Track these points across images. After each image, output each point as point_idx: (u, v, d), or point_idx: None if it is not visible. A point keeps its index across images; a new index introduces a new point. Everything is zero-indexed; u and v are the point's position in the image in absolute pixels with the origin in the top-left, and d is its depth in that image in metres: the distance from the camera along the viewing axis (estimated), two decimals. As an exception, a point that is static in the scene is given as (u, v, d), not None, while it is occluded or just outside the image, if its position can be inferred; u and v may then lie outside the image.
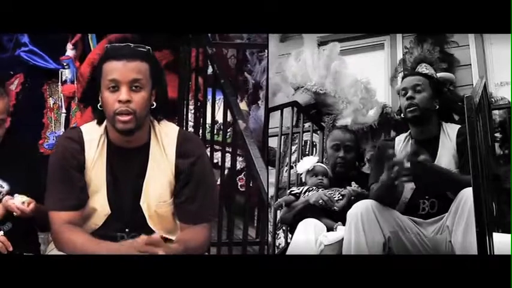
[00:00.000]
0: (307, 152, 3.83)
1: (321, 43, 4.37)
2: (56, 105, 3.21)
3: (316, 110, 3.93)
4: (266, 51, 3.69)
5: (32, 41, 3.16)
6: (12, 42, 3.22)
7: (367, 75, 3.99)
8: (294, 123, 3.60)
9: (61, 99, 3.19)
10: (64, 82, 3.17)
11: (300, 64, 4.08)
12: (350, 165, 3.00)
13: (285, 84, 4.17)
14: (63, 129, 3.16)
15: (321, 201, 2.72)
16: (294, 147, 3.88)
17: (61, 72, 3.16)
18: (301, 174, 3.08)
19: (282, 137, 3.50)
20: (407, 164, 2.21)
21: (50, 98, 3.20)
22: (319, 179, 2.93)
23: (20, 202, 2.16)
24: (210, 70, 3.09)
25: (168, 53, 3.22)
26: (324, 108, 3.94)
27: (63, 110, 3.19)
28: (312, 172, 2.97)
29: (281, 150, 3.56)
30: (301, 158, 3.30)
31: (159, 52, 3.16)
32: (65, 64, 3.16)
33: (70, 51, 3.18)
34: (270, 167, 3.41)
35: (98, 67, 2.03)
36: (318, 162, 3.05)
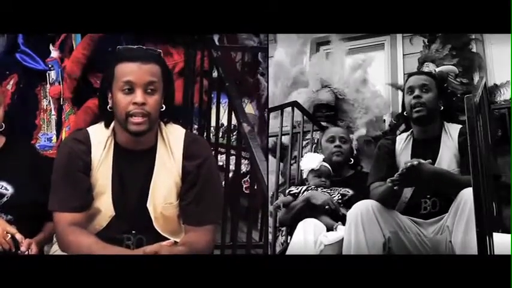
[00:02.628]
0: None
1: (321, 43, 4.38)
2: (48, 107, 3.20)
3: (333, 112, 3.95)
4: (267, 52, 3.69)
5: (24, 41, 3.16)
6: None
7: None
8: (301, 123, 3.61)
9: (50, 101, 3.19)
10: (52, 84, 3.17)
11: (329, 63, 4.10)
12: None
13: (312, 79, 4.16)
14: (54, 132, 3.16)
15: (327, 206, 2.71)
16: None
17: (48, 74, 3.16)
18: (304, 170, 3.02)
19: (288, 135, 3.49)
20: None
21: (44, 100, 3.20)
22: (322, 181, 2.90)
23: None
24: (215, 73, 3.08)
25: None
26: (340, 113, 3.96)
27: (53, 112, 3.19)
28: (316, 172, 2.92)
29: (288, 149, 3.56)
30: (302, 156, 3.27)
31: (178, 54, 3.17)
32: (50, 66, 3.16)
33: (54, 53, 3.18)
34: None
35: (110, 68, 2.01)
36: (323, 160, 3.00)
